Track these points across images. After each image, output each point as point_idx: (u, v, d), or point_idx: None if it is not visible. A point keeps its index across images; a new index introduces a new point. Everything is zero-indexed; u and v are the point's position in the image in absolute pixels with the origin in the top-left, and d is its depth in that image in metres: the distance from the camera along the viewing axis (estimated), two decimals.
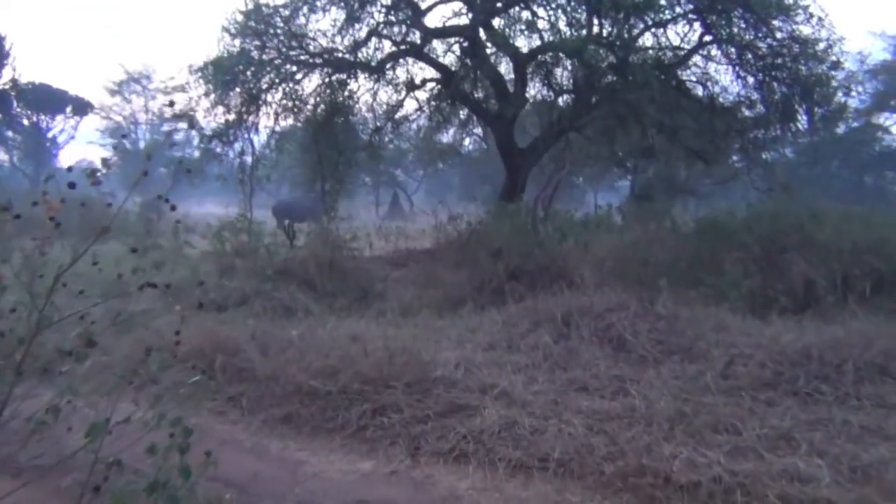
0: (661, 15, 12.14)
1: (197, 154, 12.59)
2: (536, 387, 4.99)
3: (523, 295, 7.83)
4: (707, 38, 12.58)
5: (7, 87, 34.45)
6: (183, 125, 12.84)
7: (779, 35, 11.98)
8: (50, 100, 38.15)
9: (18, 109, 37.82)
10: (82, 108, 40.57)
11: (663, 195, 19.52)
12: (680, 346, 5.70)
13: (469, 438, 4.07)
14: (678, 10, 12.33)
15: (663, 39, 12.95)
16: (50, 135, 40.89)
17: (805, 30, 11.89)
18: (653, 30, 12.62)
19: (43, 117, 39.26)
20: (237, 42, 11.85)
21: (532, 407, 4.51)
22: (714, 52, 12.80)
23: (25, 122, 38.32)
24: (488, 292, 8.31)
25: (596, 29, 12.05)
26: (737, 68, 12.56)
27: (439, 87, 14.29)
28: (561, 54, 11.98)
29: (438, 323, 7.25)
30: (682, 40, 12.98)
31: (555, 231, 9.71)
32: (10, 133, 39.11)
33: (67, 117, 40.02)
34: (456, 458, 3.96)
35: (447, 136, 17.76)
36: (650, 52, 12.38)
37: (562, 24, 12.13)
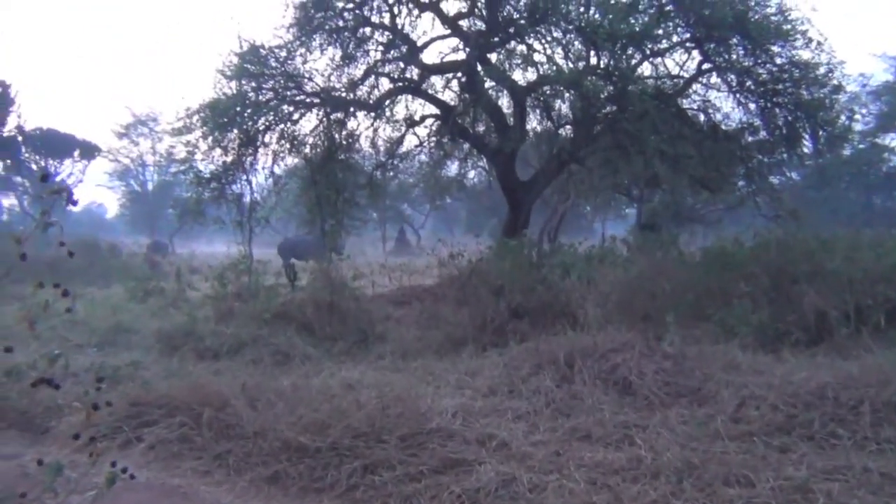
0: (658, 45, 12.07)
1: (206, 195, 12.49)
2: (537, 436, 4.75)
3: (526, 334, 7.62)
4: (706, 65, 12.49)
5: (13, 133, 34.85)
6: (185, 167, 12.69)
7: (778, 60, 11.88)
8: (57, 144, 38.70)
9: (26, 155, 38.25)
10: (90, 151, 41.12)
11: (670, 223, 19.29)
12: (688, 388, 5.45)
13: (464, 498, 3.81)
14: (675, 38, 12.28)
15: (662, 68, 12.88)
16: (59, 179, 41.21)
17: (804, 54, 11.78)
18: (651, 59, 12.54)
19: (51, 162, 39.65)
20: (233, 84, 11.82)
21: (532, 460, 4.26)
22: (714, 79, 12.70)
23: (34, 167, 38.67)
24: (490, 332, 8.09)
25: (593, 60, 11.98)
26: (737, 95, 12.43)
27: (439, 122, 14.23)
28: (559, 86, 11.88)
29: (438, 366, 7.02)
30: (680, 69, 12.91)
31: (557, 266, 9.47)
32: (18, 178, 39.53)
33: (76, 161, 40.50)
34: None
35: (451, 171, 17.66)
36: (649, 81, 12.27)
37: (558, 57, 12.08)
